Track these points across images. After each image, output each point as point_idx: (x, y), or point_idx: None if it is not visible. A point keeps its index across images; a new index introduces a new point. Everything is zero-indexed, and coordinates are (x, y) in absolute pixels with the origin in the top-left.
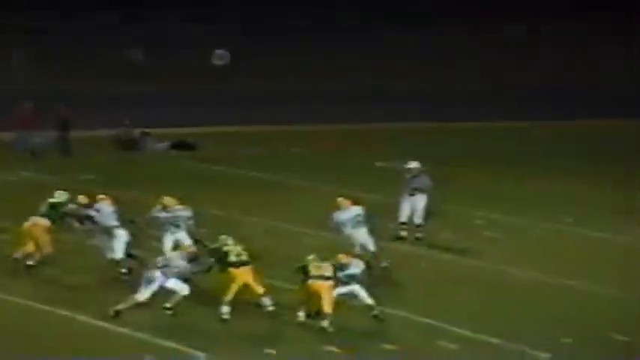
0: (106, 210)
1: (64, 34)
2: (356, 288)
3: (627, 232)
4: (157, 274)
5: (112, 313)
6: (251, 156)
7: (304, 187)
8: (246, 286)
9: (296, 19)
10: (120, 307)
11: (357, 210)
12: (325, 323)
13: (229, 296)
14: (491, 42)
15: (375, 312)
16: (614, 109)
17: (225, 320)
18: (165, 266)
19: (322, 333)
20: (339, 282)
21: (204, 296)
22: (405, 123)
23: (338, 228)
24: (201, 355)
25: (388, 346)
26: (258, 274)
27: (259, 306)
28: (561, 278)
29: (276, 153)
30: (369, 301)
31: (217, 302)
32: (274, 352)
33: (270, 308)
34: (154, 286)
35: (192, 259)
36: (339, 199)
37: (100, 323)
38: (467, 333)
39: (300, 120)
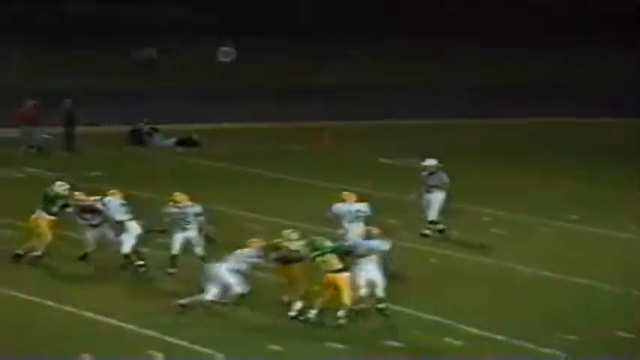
0: (114, 204)
1: (70, 28)
2: (377, 275)
3: (631, 229)
4: (221, 269)
5: (177, 305)
6: (255, 153)
7: (307, 184)
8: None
9: (297, 15)
10: (183, 301)
11: (360, 206)
12: (341, 314)
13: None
14: (492, 38)
15: (382, 305)
16: (615, 108)
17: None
18: (231, 262)
19: (329, 329)
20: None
21: None
22: (410, 120)
23: (335, 220)
24: (207, 351)
25: (394, 343)
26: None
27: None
28: (567, 275)
29: (280, 150)
30: (382, 293)
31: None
32: (280, 348)
33: (293, 313)
34: (220, 284)
35: (260, 254)
36: (345, 193)
37: (106, 319)
38: (473, 330)
39: (303, 117)
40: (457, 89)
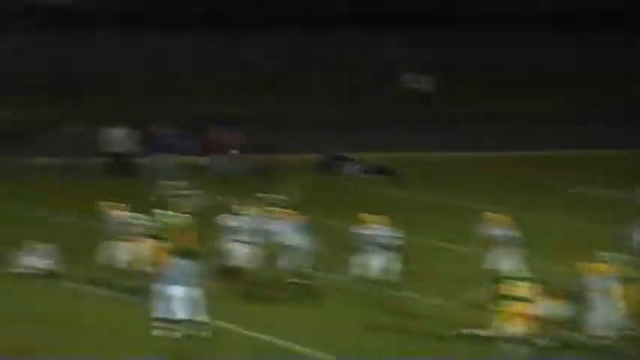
0: (285, 225)
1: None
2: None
3: None
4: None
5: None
6: (445, 181)
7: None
8: None
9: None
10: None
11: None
12: (540, 342)
13: None
14: None
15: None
16: None
17: None
18: None
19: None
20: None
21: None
22: (600, 150)
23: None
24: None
25: None
26: None
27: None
28: None
29: (471, 179)
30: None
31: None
32: None
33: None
34: None
35: None
36: (488, 214)
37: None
38: None
39: (491, 147)
40: None
